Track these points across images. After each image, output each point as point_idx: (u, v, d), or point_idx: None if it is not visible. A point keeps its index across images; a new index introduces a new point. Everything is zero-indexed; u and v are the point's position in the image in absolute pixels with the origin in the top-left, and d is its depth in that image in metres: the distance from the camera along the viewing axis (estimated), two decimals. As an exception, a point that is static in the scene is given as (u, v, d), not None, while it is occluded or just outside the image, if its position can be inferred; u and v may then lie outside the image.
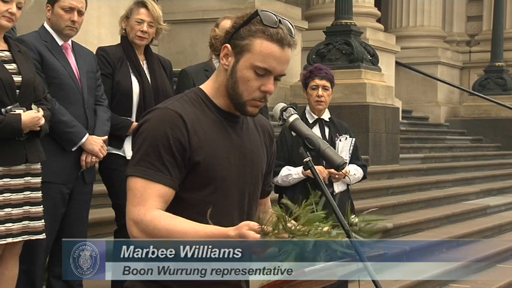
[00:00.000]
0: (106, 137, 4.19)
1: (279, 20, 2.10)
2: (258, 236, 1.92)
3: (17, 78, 3.68)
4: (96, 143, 4.09)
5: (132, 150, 2.15)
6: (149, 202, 2.03)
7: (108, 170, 4.31)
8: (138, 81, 4.41)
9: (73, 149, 4.05)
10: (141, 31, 4.40)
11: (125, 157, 4.30)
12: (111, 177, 4.34)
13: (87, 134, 4.08)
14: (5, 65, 3.67)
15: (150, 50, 4.57)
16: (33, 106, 3.71)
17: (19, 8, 3.73)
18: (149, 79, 4.46)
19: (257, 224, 1.95)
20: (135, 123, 4.34)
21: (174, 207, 2.08)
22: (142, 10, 4.41)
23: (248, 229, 1.94)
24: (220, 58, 2.14)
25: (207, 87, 2.20)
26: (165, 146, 2.05)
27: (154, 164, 2.05)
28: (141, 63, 4.48)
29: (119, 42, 4.53)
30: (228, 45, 2.11)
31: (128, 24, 4.44)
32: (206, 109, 2.15)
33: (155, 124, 2.08)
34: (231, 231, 1.98)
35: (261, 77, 2.09)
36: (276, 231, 1.93)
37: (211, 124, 2.14)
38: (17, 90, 3.68)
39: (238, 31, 2.10)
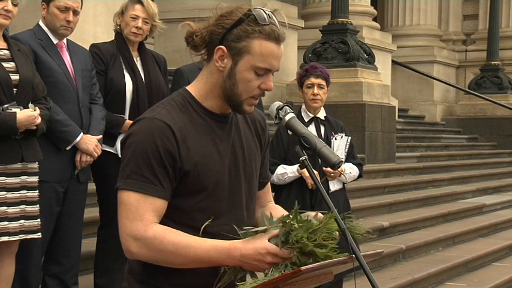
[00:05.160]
0: (100, 136, 4.17)
1: (268, 14, 2.07)
2: (271, 247, 1.96)
3: (15, 77, 3.67)
4: (90, 142, 4.08)
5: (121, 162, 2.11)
6: (146, 217, 2.01)
7: (100, 167, 4.29)
8: (132, 78, 4.40)
9: (67, 148, 4.04)
10: (136, 27, 4.38)
11: (117, 155, 4.29)
12: (103, 174, 4.33)
13: (82, 133, 4.06)
14: (3, 63, 3.67)
15: (144, 47, 4.56)
16: (30, 105, 3.70)
17: (15, 5, 3.73)
18: (143, 76, 4.45)
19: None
20: (128, 121, 4.33)
21: (166, 214, 2.06)
22: (138, 6, 4.41)
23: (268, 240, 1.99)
24: (215, 60, 2.09)
25: (195, 89, 2.16)
26: (156, 157, 2.02)
27: (147, 177, 2.02)
28: (135, 60, 4.47)
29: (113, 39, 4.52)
30: (223, 47, 2.07)
31: (122, 20, 4.43)
32: (194, 114, 2.12)
33: (144, 136, 2.04)
34: (237, 243, 1.99)
35: (260, 76, 2.08)
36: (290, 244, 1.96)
37: (200, 130, 2.11)
38: (15, 89, 3.67)
39: (230, 31, 2.06)
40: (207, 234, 2.06)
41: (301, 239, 1.95)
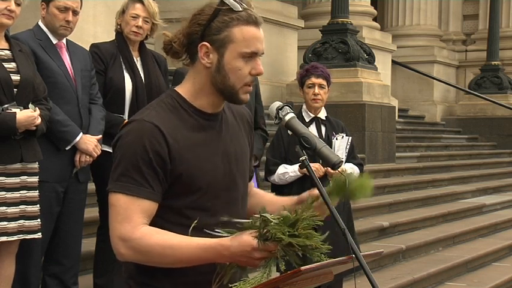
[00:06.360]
0: (100, 136, 4.17)
1: (240, 2, 2.09)
2: (255, 242, 1.95)
3: (15, 77, 3.67)
4: (90, 142, 4.07)
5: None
6: (134, 219, 2.02)
7: (99, 167, 4.28)
8: (131, 78, 4.39)
9: (67, 148, 4.04)
10: (136, 26, 4.37)
11: None
12: (102, 174, 4.32)
13: (81, 133, 4.06)
14: (4, 63, 3.67)
15: (144, 46, 4.55)
16: (30, 105, 3.70)
17: (18, 4, 3.72)
18: (142, 76, 4.44)
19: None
20: (126, 121, 4.32)
21: (160, 214, 2.07)
22: (138, 5, 4.40)
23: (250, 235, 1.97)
24: (201, 58, 2.10)
25: (184, 90, 2.16)
26: (144, 160, 2.02)
27: (136, 179, 2.02)
28: (135, 59, 4.47)
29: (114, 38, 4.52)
30: (206, 43, 2.09)
31: (123, 19, 4.43)
32: (184, 114, 2.12)
33: (133, 138, 2.05)
34: (225, 241, 1.99)
35: (248, 61, 2.09)
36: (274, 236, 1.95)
37: (190, 129, 2.11)
38: (15, 89, 3.67)
39: (209, 26, 2.08)
40: (205, 232, 2.05)
41: (276, 234, 1.94)
